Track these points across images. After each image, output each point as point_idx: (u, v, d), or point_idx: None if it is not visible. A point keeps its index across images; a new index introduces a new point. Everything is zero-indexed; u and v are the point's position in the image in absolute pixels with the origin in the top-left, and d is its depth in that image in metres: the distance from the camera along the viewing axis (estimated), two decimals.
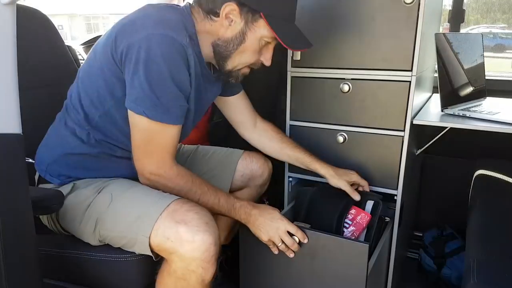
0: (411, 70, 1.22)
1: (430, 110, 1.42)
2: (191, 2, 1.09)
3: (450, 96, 1.37)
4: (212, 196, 1.06)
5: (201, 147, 1.46)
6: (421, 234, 1.78)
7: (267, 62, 1.09)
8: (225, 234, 1.45)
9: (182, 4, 1.31)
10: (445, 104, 1.35)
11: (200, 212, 0.95)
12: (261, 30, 1.02)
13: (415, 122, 1.26)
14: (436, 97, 1.51)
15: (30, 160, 1.11)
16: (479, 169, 1.47)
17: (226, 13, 1.00)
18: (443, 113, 1.35)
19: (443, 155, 1.78)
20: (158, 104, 0.96)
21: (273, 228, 1.08)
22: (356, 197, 1.26)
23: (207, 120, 1.74)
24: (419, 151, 1.50)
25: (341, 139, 1.35)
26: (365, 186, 1.30)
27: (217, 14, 1.02)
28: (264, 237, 1.09)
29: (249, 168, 1.39)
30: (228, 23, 1.02)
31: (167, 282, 0.99)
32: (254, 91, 1.42)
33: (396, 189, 1.32)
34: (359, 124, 1.32)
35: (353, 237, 1.20)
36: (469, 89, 1.48)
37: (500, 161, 1.50)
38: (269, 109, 1.71)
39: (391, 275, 1.40)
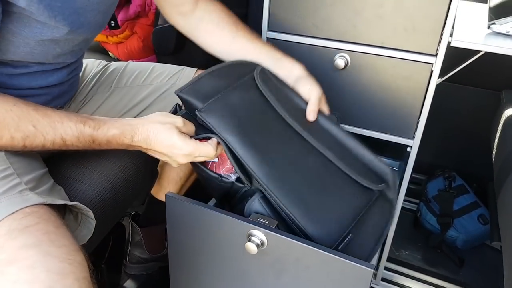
0: None
1: (467, 24, 1.00)
2: None
3: (503, 5, 0.95)
4: (47, 130, 0.63)
5: (134, 64, 1.00)
6: (421, 178, 1.46)
7: None
8: (176, 188, 1.06)
9: None
10: (495, 16, 0.92)
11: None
12: None
13: (454, 43, 0.85)
14: (470, 8, 1.09)
15: None
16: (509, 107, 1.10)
17: None
18: (489, 30, 0.93)
19: (460, 83, 1.39)
20: None
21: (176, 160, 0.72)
22: (312, 115, 0.82)
23: (149, 25, 1.26)
24: (440, 80, 1.11)
25: (341, 63, 0.92)
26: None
27: None
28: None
29: None
30: None
31: None
32: None
33: (412, 138, 0.94)
34: (369, 41, 0.90)
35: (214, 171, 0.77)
36: None
37: None
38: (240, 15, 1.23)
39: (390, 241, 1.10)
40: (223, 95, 0.75)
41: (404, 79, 0.90)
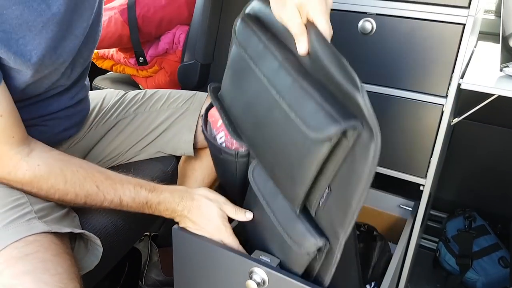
0: (467, 7, 0.80)
1: (479, 67, 1.01)
2: None
3: None
4: (108, 191, 0.72)
5: (151, 91, 1.07)
6: (442, 216, 1.44)
7: None
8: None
9: None
10: (507, 59, 0.93)
11: None
12: None
13: (464, 86, 0.86)
14: (486, 48, 1.12)
15: None
16: None
17: None
18: (502, 73, 0.94)
19: (482, 122, 1.38)
20: None
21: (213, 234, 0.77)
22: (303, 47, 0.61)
23: (176, 61, 1.33)
24: (456, 120, 1.11)
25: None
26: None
27: None
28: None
29: None
30: None
31: None
32: None
33: (425, 177, 0.95)
34: (379, 82, 0.92)
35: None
36: None
37: None
38: None
39: (404, 279, 1.08)
40: None
41: (416, 119, 0.91)
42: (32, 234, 0.60)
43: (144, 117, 1.01)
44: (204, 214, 0.76)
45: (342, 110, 0.54)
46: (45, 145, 0.71)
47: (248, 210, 0.79)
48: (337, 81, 0.54)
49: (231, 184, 0.87)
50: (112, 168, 0.86)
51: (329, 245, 0.61)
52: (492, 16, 1.38)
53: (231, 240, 0.76)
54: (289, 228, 0.66)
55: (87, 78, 0.91)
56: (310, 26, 0.60)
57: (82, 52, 0.79)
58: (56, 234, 0.63)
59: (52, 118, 0.82)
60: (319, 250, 0.62)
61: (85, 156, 0.95)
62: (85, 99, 0.92)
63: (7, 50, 0.62)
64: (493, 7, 1.38)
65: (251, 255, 0.72)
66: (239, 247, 0.76)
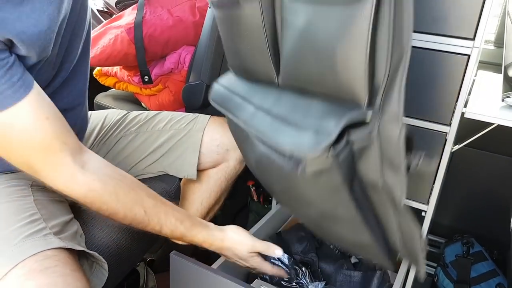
0: (473, 39, 0.82)
1: (481, 96, 1.03)
2: None
3: None
4: (153, 218, 0.75)
5: (154, 112, 1.08)
6: (440, 241, 1.44)
7: None
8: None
9: None
10: (508, 89, 0.96)
11: None
12: None
13: (467, 115, 0.88)
14: (486, 76, 1.15)
15: None
16: None
17: None
18: (503, 103, 0.96)
19: (480, 148, 1.40)
20: None
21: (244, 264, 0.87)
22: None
23: (181, 81, 1.35)
24: (456, 147, 1.13)
25: None
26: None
27: None
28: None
29: (227, 136, 1.00)
30: None
31: None
32: None
33: (427, 204, 0.96)
34: None
35: None
36: None
37: None
38: None
39: None
40: None
41: (419, 146, 0.93)
42: (50, 249, 0.60)
43: (146, 136, 1.01)
44: (236, 253, 0.85)
45: None
46: (98, 156, 0.72)
47: (278, 247, 0.87)
48: None
49: None
50: None
51: None
52: (491, 46, 1.42)
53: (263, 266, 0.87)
54: None
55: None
56: None
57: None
58: (70, 250, 0.63)
59: None
60: None
61: None
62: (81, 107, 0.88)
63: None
64: (492, 38, 1.42)
65: (251, 285, 0.72)
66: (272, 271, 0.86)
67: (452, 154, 1.37)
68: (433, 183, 0.94)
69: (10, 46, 0.58)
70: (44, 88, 0.65)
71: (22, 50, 0.59)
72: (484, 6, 0.79)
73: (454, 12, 0.82)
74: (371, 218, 0.72)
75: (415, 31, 0.86)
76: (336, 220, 0.74)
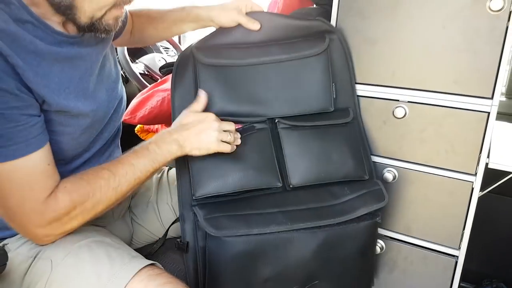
0: (491, 98, 0.92)
1: (502, 146, 1.12)
2: None
3: None
4: (121, 171, 0.78)
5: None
6: (468, 286, 1.47)
7: None
8: None
9: None
10: None
11: None
12: None
13: (491, 165, 0.97)
14: (502, 126, 1.25)
15: None
16: None
17: None
18: None
19: (505, 194, 1.46)
20: None
21: (209, 140, 0.84)
22: (255, 25, 0.97)
23: None
24: (481, 193, 1.20)
25: (389, 176, 1.06)
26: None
27: None
28: (207, 152, 0.85)
29: None
30: None
31: None
32: None
33: (458, 249, 1.02)
34: (414, 160, 1.03)
35: None
36: None
37: None
38: None
39: None
40: None
41: (448, 194, 1.01)
42: (150, 264, 0.75)
43: None
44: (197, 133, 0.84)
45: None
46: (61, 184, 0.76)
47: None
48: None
49: None
50: None
51: None
52: (503, 98, 1.53)
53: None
54: None
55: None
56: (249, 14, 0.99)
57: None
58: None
59: None
60: None
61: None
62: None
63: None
64: (503, 89, 1.54)
65: None
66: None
67: (478, 200, 1.45)
68: (463, 229, 1.01)
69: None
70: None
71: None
72: (500, 70, 0.90)
73: (473, 75, 0.93)
74: None
75: (439, 92, 0.97)
76: None
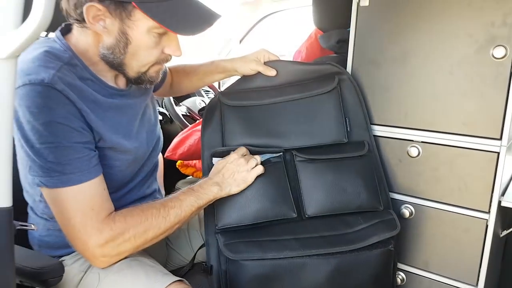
0: (500, 139, 0.97)
1: None
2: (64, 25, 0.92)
3: None
4: (170, 204, 0.91)
5: None
6: None
7: (176, 53, 0.91)
8: None
9: None
10: None
11: None
12: (143, 23, 0.82)
13: (504, 203, 1.00)
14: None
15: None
16: None
17: (92, 17, 0.81)
18: None
19: None
20: (51, 168, 0.80)
21: (242, 175, 0.98)
22: (272, 72, 1.13)
23: None
24: (505, 232, 1.21)
25: (406, 212, 1.11)
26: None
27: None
28: (246, 185, 0.99)
29: None
30: (101, 27, 0.83)
31: None
32: None
33: (476, 285, 1.04)
34: (429, 197, 1.08)
35: None
36: None
37: None
38: None
39: None
40: None
41: (463, 231, 1.04)
42: (179, 280, 0.86)
43: None
44: (230, 166, 0.98)
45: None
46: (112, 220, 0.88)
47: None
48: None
49: None
50: None
51: None
52: None
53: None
54: None
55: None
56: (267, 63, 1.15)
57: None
58: None
59: None
60: None
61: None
62: (158, 192, 1.14)
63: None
64: None
65: None
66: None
67: (506, 240, 1.44)
68: (480, 266, 1.03)
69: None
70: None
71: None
72: (507, 112, 0.95)
73: (481, 117, 0.98)
74: None
75: (450, 133, 1.03)
76: None
